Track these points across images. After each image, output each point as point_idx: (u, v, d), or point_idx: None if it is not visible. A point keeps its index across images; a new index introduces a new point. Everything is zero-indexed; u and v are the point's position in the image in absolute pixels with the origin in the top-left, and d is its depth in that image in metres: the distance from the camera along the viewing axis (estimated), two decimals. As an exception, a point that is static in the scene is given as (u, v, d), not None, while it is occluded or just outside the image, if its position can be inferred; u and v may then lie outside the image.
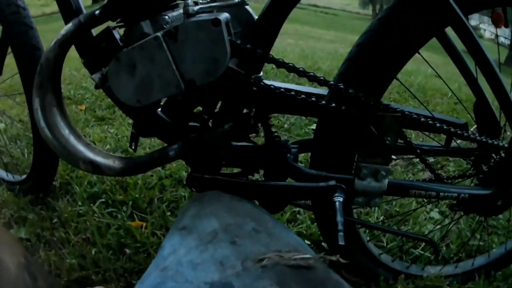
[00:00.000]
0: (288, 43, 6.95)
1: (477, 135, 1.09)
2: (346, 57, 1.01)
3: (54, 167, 1.61)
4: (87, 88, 3.01)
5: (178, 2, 0.97)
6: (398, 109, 0.96)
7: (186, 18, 0.88)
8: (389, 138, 0.96)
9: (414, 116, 0.98)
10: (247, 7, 1.00)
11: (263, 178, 1.06)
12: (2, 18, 1.40)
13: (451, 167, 2.01)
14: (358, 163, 1.00)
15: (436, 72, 1.16)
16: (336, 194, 0.97)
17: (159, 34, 0.87)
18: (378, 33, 0.97)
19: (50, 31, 2.71)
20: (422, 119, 0.99)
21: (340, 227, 0.89)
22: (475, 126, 1.18)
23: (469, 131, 1.08)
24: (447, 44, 1.07)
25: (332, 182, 0.99)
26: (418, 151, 1.05)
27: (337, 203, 0.95)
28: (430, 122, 1.00)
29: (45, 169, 1.59)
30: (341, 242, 0.86)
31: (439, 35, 1.03)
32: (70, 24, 0.97)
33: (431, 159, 2.00)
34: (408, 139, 1.02)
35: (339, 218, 0.91)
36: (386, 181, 1.00)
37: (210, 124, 1.02)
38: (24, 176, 1.66)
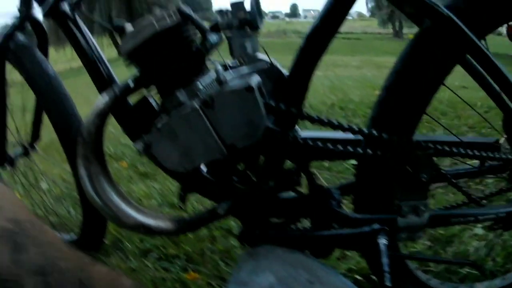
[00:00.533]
0: (317, 75, 7.03)
1: (508, 153, 1.12)
2: (376, 101, 1.05)
3: (103, 226, 1.67)
4: (127, 145, 3.07)
5: (208, 65, 1.02)
6: (430, 144, 1.00)
7: (219, 86, 0.95)
8: (424, 175, 1.00)
9: (446, 148, 1.02)
10: (275, 64, 1.05)
11: (310, 225, 1.11)
12: (36, 88, 1.46)
13: (490, 180, 2.03)
14: (398, 201, 1.04)
15: (456, 94, 1.19)
16: (380, 237, 1.02)
17: (196, 104, 0.93)
18: (403, 73, 1.01)
19: (81, 85, 2.79)
20: (454, 149, 1.03)
21: (385, 268, 0.94)
22: (506, 137, 1.20)
23: (501, 148, 1.12)
24: (468, 67, 1.10)
25: (376, 226, 1.03)
26: (451, 178, 1.09)
27: (381, 245, 1.00)
28: (462, 150, 1.04)
29: (95, 228, 1.65)
30: (388, 283, 0.91)
31: (461, 62, 1.06)
32: (105, 96, 1.04)
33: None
34: (442, 170, 1.06)
35: (384, 260, 0.96)
36: (426, 215, 1.04)
37: (254, 179, 1.07)
38: (73, 235, 1.72)
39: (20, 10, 1.37)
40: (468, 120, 2.95)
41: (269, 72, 1.03)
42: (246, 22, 1.00)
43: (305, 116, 0.97)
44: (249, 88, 0.91)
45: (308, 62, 0.98)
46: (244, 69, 1.01)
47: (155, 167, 1.06)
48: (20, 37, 1.43)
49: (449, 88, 1.12)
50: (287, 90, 1.00)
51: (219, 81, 0.94)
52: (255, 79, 0.94)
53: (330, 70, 8.26)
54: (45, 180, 2.33)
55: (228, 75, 0.97)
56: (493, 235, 1.58)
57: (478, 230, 1.65)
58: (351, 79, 5.94)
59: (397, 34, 31.93)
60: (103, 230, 1.68)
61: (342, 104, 3.53)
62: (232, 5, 1.02)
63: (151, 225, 1.09)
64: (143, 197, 2.18)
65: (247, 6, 1.02)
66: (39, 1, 1.25)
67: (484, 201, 1.21)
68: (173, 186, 2.23)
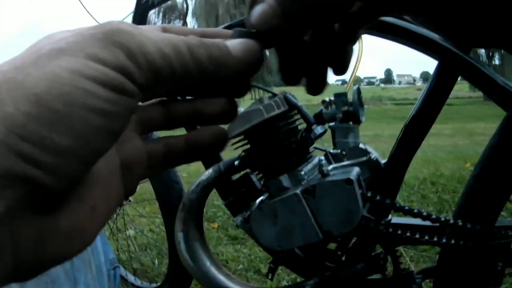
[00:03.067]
0: None
1: None
2: (463, 190, 1.15)
3: (188, 282, 1.77)
4: (219, 206, 3.18)
5: (311, 155, 1.14)
6: (509, 231, 1.11)
7: (322, 177, 1.07)
8: (501, 264, 1.11)
9: None
10: (375, 155, 1.17)
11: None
12: None
13: None
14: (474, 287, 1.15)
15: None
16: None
17: (298, 191, 1.05)
18: (490, 161, 1.11)
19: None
20: None
21: None
22: None
23: None
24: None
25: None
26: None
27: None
28: None
29: (179, 283, 1.76)
30: None
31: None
32: (210, 171, 1.17)
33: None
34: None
35: None
36: (498, 300, 1.15)
37: (343, 259, 1.19)
38: (154, 285, 1.85)
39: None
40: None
41: (368, 162, 1.15)
42: (349, 115, 1.12)
43: (398, 208, 1.09)
44: (348, 181, 1.02)
45: (404, 153, 1.10)
46: (345, 161, 1.14)
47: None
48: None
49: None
50: (383, 180, 1.12)
51: (322, 172, 1.06)
52: (355, 172, 1.06)
53: (424, 139, 8.43)
54: (133, 228, 2.45)
55: (330, 166, 1.09)
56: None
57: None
58: (443, 150, 6.11)
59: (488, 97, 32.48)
60: (187, 284, 1.79)
61: (434, 179, 3.71)
62: (336, 95, 1.14)
63: (238, 291, 1.22)
64: (231, 260, 2.29)
65: (350, 96, 1.14)
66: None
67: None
68: (261, 252, 2.32)
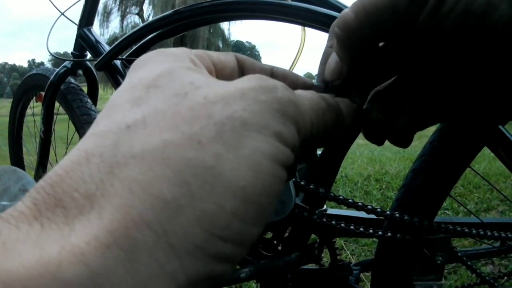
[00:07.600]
0: (358, 144, 7.28)
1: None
2: (402, 183, 1.17)
3: None
4: None
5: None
6: (450, 226, 1.12)
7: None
8: (440, 258, 1.13)
9: (466, 230, 1.16)
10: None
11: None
12: (82, 134, 1.56)
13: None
14: (413, 281, 1.17)
15: (479, 174, 1.33)
16: (391, 316, 1.15)
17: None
18: (431, 156, 1.13)
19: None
20: (474, 231, 1.16)
21: None
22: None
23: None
24: (495, 149, 1.21)
25: (387, 305, 1.18)
26: (467, 261, 1.23)
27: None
28: (481, 232, 1.17)
29: None
30: None
31: (488, 144, 1.18)
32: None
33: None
34: (458, 252, 1.20)
35: None
36: (439, 295, 1.18)
37: (279, 248, 1.21)
38: None
39: (73, 54, 1.53)
40: (501, 192, 3.06)
41: (304, 150, 1.17)
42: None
43: (332, 197, 1.11)
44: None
45: (340, 144, 1.12)
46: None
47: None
48: (72, 80, 1.59)
49: (475, 172, 1.25)
50: (318, 170, 1.15)
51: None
52: (288, 160, 1.08)
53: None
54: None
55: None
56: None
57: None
58: (390, 150, 6.15)
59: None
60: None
61: (378, 177, 3.76)
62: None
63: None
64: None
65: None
66: (95, 53, 1.40)
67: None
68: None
